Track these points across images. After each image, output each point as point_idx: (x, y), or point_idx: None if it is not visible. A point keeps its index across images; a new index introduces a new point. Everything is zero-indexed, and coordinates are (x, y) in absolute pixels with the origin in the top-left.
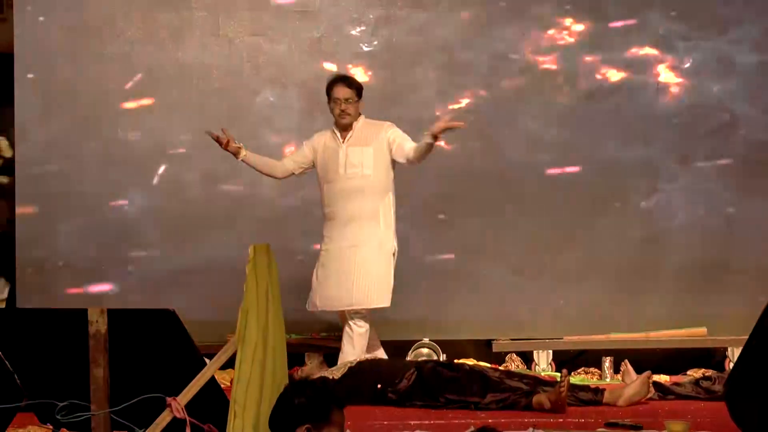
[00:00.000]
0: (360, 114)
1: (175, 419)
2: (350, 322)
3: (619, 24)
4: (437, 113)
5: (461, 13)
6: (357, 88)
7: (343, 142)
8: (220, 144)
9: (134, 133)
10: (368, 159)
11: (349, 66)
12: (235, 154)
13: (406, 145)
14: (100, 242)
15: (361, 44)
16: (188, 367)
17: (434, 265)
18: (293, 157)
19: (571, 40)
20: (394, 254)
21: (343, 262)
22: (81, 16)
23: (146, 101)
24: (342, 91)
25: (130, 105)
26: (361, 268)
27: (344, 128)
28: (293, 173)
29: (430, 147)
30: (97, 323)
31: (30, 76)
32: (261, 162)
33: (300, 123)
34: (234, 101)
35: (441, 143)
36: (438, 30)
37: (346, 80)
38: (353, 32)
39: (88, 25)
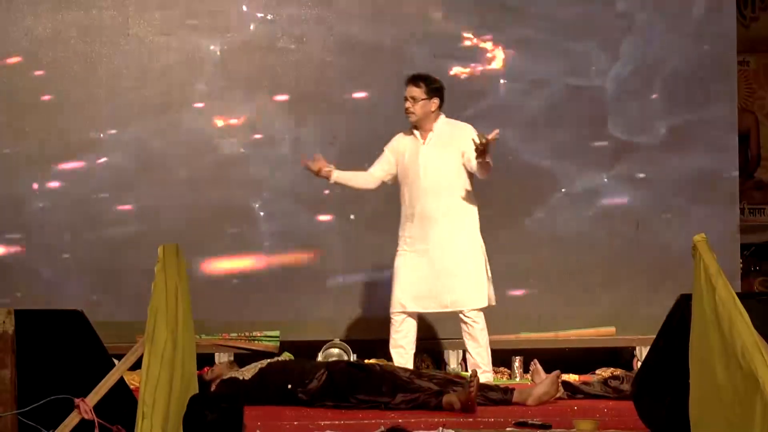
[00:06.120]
0: (434, 113)
1: (83, 420)
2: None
3: None
4: None
5: None
6: (427, 86)
7: (423, 143)
8: (313, 172)
9: (43, 132)
10: (447, 162)
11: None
12: (327, 178)
13: (474, 160)
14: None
15: (271, 44)
16: (97, 368)
17: (345, 265)
18: (379, 165)
19: None
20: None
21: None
22: None
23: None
24: (408, 89)
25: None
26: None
27: (422, 128)
28: (383, 181)
29: (482, 165)
30: (4, 324)
31: None
32: (353, 179)
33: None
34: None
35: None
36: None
37: (415, 79)
38: (262, 31)
39: None
